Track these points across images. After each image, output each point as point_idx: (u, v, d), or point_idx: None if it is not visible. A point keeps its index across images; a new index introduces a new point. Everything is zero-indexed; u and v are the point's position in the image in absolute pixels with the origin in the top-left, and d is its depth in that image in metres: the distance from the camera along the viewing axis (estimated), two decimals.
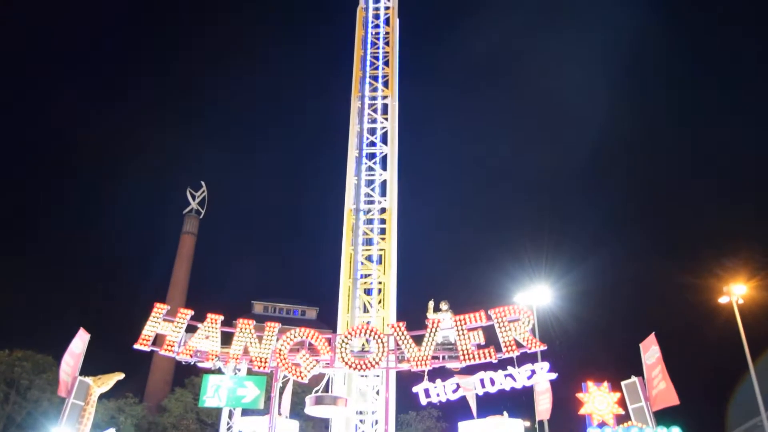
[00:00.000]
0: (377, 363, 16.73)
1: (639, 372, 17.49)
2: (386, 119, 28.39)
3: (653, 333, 17.70)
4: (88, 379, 18.13)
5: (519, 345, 16.37)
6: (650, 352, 17.50)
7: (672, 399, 16.16)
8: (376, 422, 23.03)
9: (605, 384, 16.19)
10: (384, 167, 27.33)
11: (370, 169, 27.27)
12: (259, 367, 16.84)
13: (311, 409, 19.09)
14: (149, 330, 17.45)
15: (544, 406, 26.26)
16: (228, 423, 16.30)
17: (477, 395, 22.35)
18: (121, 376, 18.50)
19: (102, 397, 18.84)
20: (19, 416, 42.16)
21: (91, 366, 19.02)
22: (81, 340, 19.16)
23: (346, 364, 16.79)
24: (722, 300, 26.98)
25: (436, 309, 21.83)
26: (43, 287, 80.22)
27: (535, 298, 32.39)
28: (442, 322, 20.55)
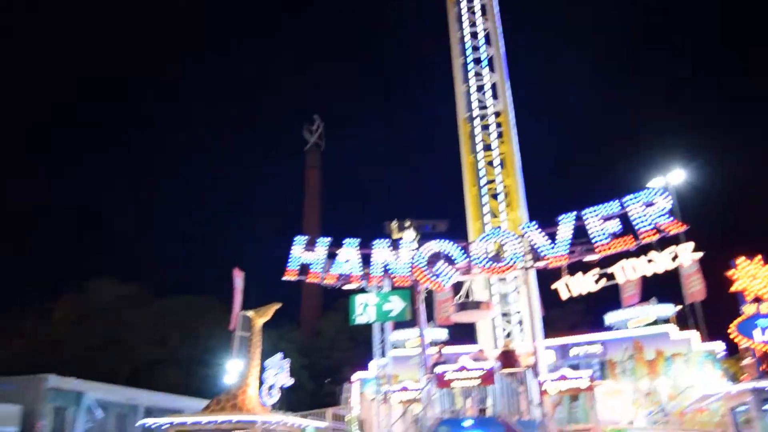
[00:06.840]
0: (513, 265, 16.87)
1: None
2: (486, 20, 27.48)
3: None
4: (249, 313, 19.84)
5: (657, 230, 15.81)
6: None
7: None
8: (521, 322, 23.52)
9: (758, 258, 15.35)
10: (492, 69, 26.65)
11: (478, 74, 26.70)
12: (400, 283, 17.59)
13: (456, 316, 19.79)
14: (294, 261, 18.66)
15: (694, 287, 25.44)
16: (380, 337, 17.32)
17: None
18: (278, 305, 19.96)
19: (265, 327, 20.48)
20: (195, 353, 46.97)
21: (254, 302, 20.77)
22: (239, 278, 21.00)
23: (483, 269, 17.08)
24: None
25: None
26: (193, 234, 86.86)
27: (671, 178, 30.87)
28: None
